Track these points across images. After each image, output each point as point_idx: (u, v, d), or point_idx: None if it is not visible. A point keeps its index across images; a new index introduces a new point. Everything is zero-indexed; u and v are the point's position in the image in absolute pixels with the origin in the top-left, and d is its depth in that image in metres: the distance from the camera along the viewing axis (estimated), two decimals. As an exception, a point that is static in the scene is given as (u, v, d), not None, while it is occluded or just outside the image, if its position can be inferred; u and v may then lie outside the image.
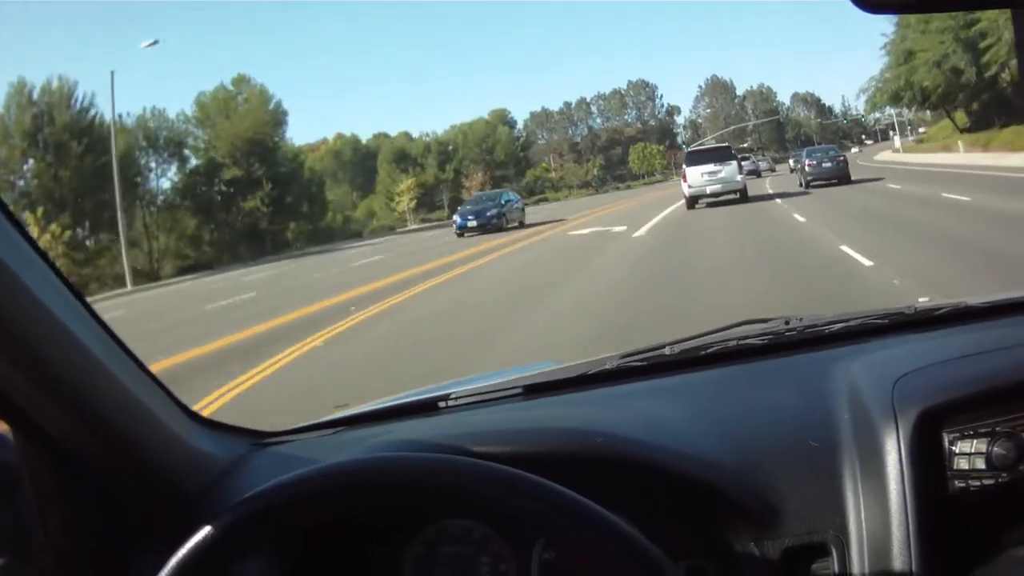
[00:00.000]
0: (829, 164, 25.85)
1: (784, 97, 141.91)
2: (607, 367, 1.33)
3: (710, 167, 22.30)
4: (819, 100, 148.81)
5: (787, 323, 1.38)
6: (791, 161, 43.94)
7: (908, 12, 0.74)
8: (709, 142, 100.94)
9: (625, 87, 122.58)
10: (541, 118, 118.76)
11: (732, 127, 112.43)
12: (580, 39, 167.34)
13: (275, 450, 1.22)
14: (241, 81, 52.80)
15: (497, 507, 0.82)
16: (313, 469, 0.85)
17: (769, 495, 0.98)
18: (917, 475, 0.94)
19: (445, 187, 79.66)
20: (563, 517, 0.78)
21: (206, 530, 0.81)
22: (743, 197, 22.13)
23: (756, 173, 44.94)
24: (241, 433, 1.23)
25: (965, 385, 1.01)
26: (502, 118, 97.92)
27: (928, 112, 50.05)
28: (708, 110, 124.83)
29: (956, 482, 0.96)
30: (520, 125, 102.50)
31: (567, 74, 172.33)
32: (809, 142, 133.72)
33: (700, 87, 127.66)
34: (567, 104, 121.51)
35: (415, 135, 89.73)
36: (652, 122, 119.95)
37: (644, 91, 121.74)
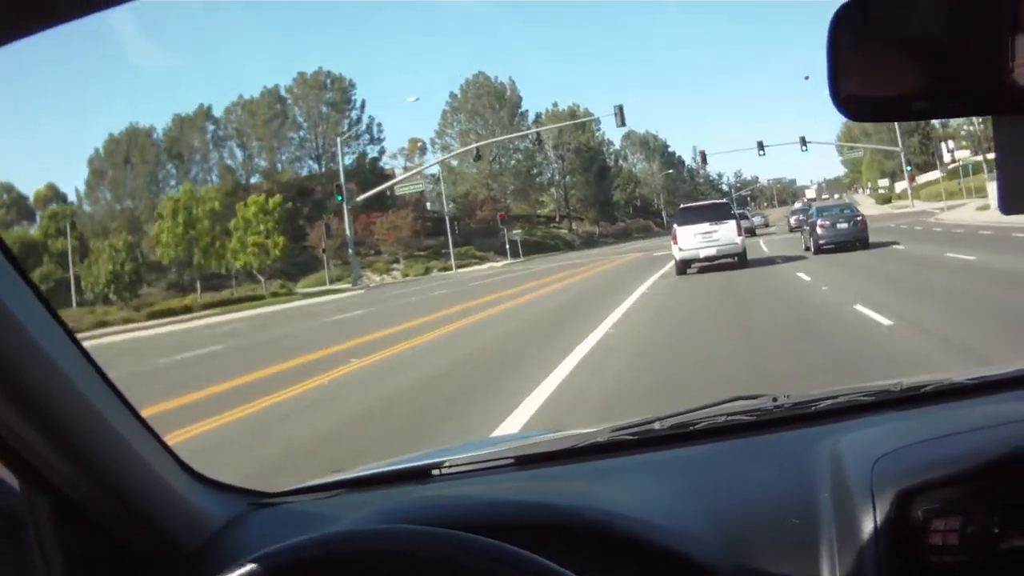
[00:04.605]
0: (846, 225, 22.00)
1: (612, 133, 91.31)
2: (598, 440, 1.36)
3: (704, 227, 20.14)
4: (666, 146, 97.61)
5: (775, 400, 1.41)
6: (791, 219, 41.44)
7: (896, 120, 0.79)
8: (458, 185, 42.25)
9: (289, 84, 60.19)
10: (114, 149, 56.36)
11: (488, 158, 54.62)
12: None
13: (271, 511, 1.26)
14: None
15: None
16: (311, 538, 0.86)
17: (751, 571, 1.01)
18: (892, 554, 0.97)
19: None
20: None
21: None
22: (742, 262, 19.85)
23: (751, 231, 38.77)
24: (239, 492, 1.27)
25: (942, 465, 1.03)
26: None
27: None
28: (469, 129, 64.34)
29: (932, 558, 0.98)
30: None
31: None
32: (647, 207, 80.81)
33: (453, 95, 67.70)
34: (132, 127, 55.41)
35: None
36: (348, 156, 58.68)
37: (319, 92, 59.94)
